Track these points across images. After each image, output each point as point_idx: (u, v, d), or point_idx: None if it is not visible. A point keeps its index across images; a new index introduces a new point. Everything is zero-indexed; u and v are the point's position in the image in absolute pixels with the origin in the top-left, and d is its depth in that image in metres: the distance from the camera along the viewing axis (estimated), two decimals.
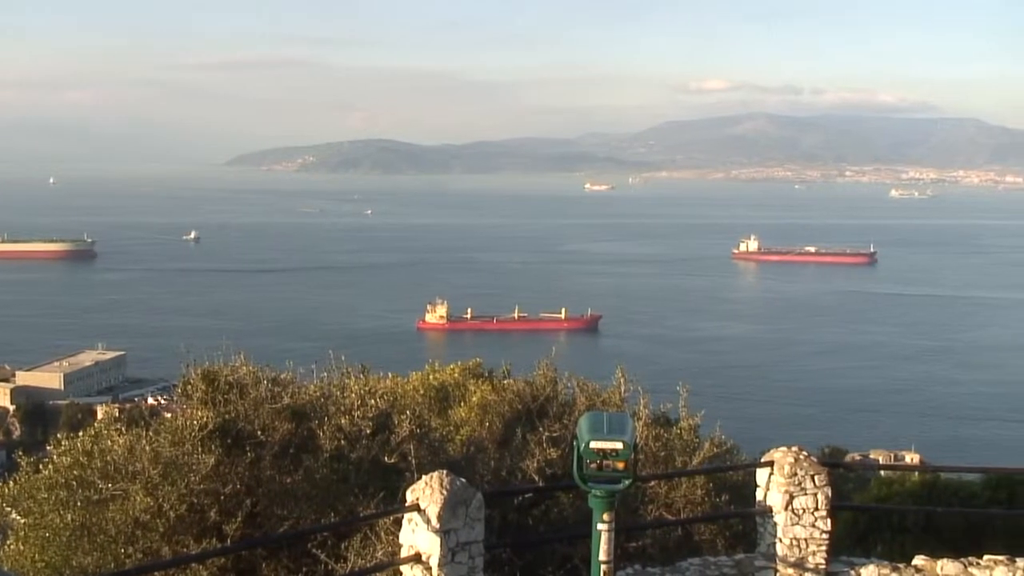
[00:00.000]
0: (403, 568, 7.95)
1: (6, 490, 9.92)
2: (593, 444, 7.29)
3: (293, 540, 9.52)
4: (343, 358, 12.14)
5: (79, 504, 9.36)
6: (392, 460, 10.44)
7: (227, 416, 10.24)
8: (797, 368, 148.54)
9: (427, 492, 7.75)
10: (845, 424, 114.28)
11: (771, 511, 9.28)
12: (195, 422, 9.91)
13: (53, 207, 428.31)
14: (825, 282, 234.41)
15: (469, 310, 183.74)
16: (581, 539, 8.86)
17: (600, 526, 7.49)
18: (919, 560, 9.45)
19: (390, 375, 14.37)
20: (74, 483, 9.50)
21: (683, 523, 11.15)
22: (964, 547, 10.42)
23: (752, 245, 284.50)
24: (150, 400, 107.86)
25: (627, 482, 7.39)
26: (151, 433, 10.01)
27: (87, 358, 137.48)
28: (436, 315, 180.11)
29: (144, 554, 9.31)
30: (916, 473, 17.57)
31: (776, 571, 9.24)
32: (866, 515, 13.83)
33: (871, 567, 9.44)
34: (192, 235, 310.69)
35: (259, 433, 10.25)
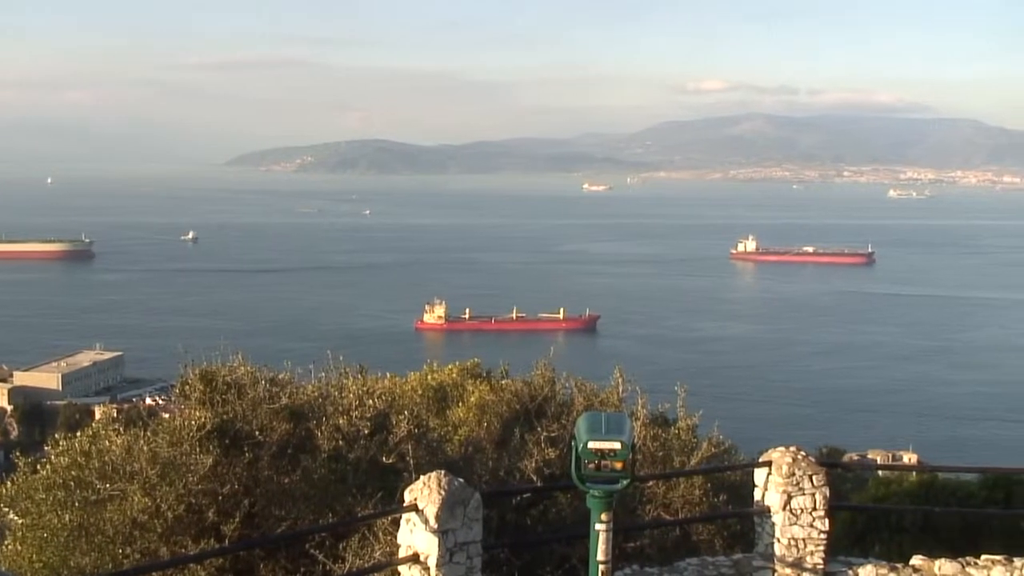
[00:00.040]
0: (401, 568, 7.95)
1: (4, 490, 9.91)
2: (591, 444, 7.29)
3: (291, 540, 9.51)
4: (341, 358, 12.15)
5: (77, 504, 9.35)
6: (390, 460, 10.44)
7: (225, 416, 10.24)
8: (795, 368, 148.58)
9: (425, 492, 7.76)
10: (843, 424, 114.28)
11: (769, 511, 9.29)
12: (193, 422, 9.91)
13: (50, 207, 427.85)
14: (823, 282, 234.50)
15: (467, 310, 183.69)
16: (579, 539, 8.86)
17: (598, 526, 7.50)
18: (917, 560, 9.46)
19: (388, 375, 14.36)
20: (72, 483, 9.49)
21: (681, 523, 11.16)
22: (962, 547, 10.42)
23: (750, 245, 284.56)
24: (148, 400, 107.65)
25: (625, 482, 7.40)
26: (149, 433, 10.01)
27: (85, 358, 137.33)
28: (434, 315, 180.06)
29: (142, 554, 9.30)
30: (914, 473, 17.60)
31: (774, 571, 9.24)
32: (864, 515, 13.84)
33: (869, 567, 9.45)
34: (190, 235, 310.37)
35: (257, 433, 10.24)
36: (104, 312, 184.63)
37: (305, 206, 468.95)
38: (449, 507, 7.70)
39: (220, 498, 9.67)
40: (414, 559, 7.80)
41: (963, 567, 9.35)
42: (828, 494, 9.20)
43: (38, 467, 9.96)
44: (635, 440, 8.20)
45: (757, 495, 9.49)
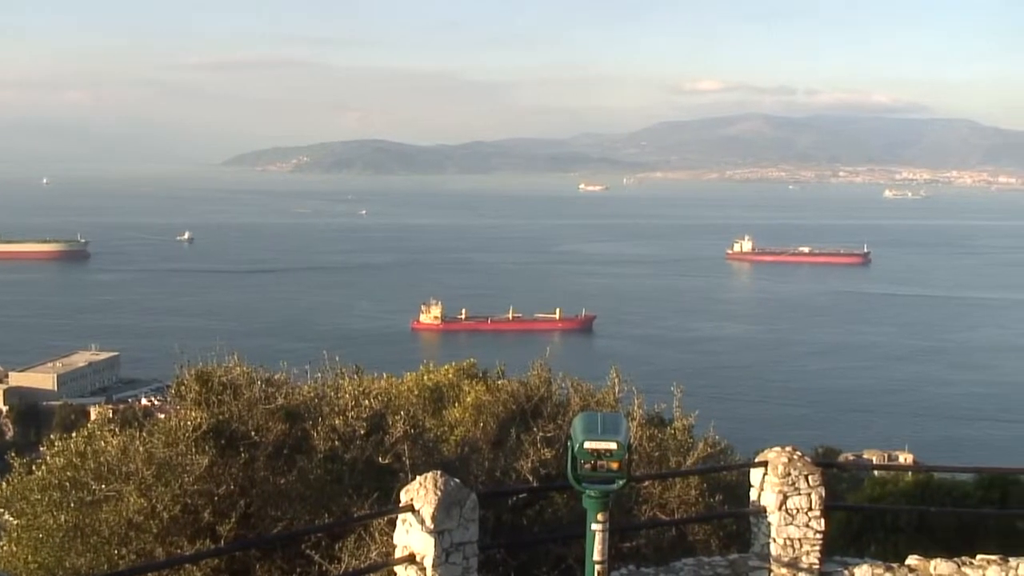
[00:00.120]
0: (397, 569, 7.94)
1: None
2: (587, 444, 7.29)
3: (287, 541, 9.50)
4: (337, 359, 12.13)
5: (72, 505, 9.34)
6: (386, 461, 10.43)
7: (221, 417, 10.23)
8: (791, 368, 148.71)
9: (421, 493, 7.75)
10: (839, 424, 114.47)
11: (765, 511, 9.30)
12: (189, 423, 9.90)
13: (47, 207, 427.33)
14: (819, 282, 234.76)
15: (463, 310, 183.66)
16: (575, 539, 8.87)
17: (594, 526, 7.50)
18: (912, 560, 9.47)
19: (384, 376, 14.35)
20: (67, 484, 9.47)
21: (677, 523, 11.16)
22: (957, 547, 10.44)
23: (746, 245, 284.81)
24: (144, 401, 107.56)
25: (621, 482, 7.40)
26: (145, 434, 9.99)
27: (80, 359, 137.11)
28: (430, 315, 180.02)
29: (138, 555, 9.29)
30: (909, 473, 17.62)
31: (770, 571, 9.25)
32: (860, 515, 13.86)
33: (865, 567, 9.46)
34: (186, 235, 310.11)
35: (253, 434, 10.23)
36: (100, 312, 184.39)
37: (301, 206, 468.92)
38: (445, 507, 7.70)
39: (216, 499, 9.66)
40: (410, 559, 7.80)
41: (959, 567, 9.37)
42: (824, 494, 9.21)
43: (33, 468, 9.94)
44: (631, 440, 8.20)
45: (753, 495, 9.50)
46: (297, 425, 10.60)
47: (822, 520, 9.19)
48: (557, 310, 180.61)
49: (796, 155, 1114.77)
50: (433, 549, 7.66)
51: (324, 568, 9.11)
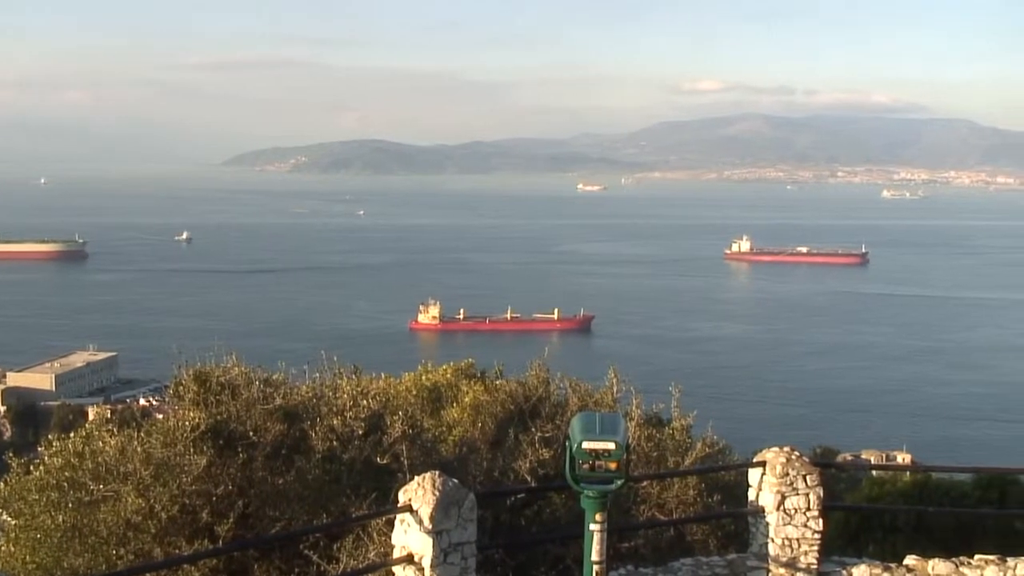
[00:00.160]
0: (395, 569, 7.94)
1: None
2: (585, 444, 7.29)
3: (285, 541, 9.50)
4: (335, 359, 12.12)
5: (70, 505, 9.33)
6: (384, 461, 10.42)
7: (219, 417, 10.22)
8: (789, 368, 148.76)
9: (419, 493, 7.75)
10: (837, 424, 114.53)
11: (763, 511, 9.30)
12: (187, 423, 9.89)
13: (45, 207, 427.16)
14: (817, 282, 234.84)
15: (462, 311, 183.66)
16: (573, 539, 8.87)
17: (592, 526, 7.50)
18: (910, 560, 9.47)
19: (382, 376, 14.34)
20: (65, 484, 9.47)
21: (675, 523, 11.16)
22: (955, 547, 10.44)
23: (744, 245, 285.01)
24: (142, 401, 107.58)
25: (619, 482, 7.40)
26: (143, 434, 9.98)
27: (78, 359, 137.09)
28: (429, 316, 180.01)
29: (136, 555, 9.28)
30: (907, 473, 17.62)
31: (768, 571, 9.25)
32: (858, 515, 13.87)
33: (863, 567, 9.47)
34: (184, 236, 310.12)
35: (251, 434, 10.22)
36: (98, 312, 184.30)
37: (299, 206, 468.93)
38: (443, 508, 7.69)
39: (214, 499, 9.65)
40: (408, 560, 7.80)
41: (957, 567, 9.37)
42: (822, 494, 9.21)
43: (31, 468, 9.93)
44: (629, 440, 8.20)
45: (751, 495, 9.50)
46: (295, 425, 10.60)
47: (820, 520, 9.19)
48: (555, 310, 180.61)
49: (794, 155, 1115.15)
50: (431, 549, 7.66)
51: (322, 568, 9.10)
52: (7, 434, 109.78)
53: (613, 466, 7.30)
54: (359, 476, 10.26)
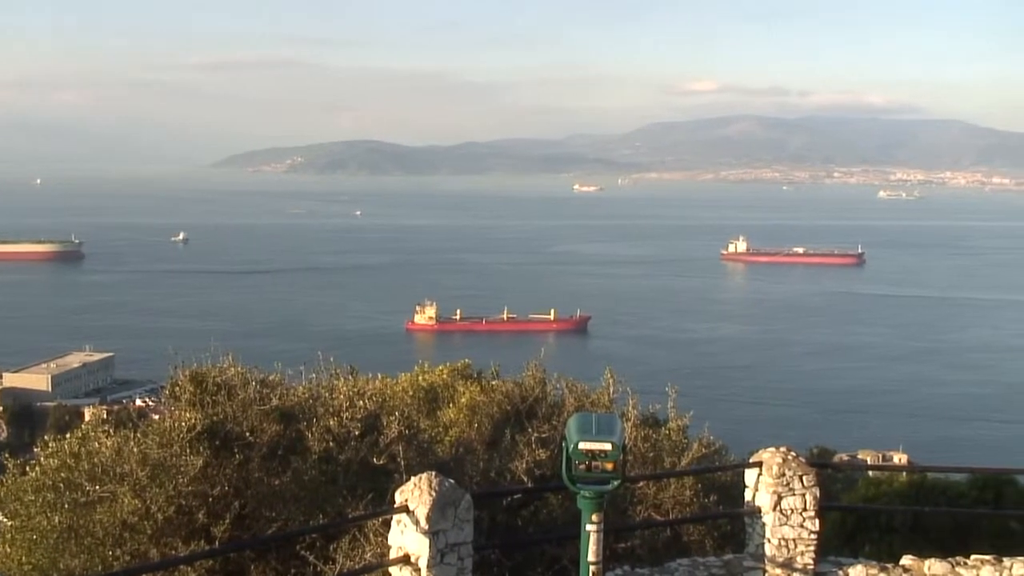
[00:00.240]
0: (392, 569, 7.94)
1: None
2: (582, 445, 7.28)
3: (281, 542, 9.49)
4: (332, 359, 12.12)
5: (66, 506, 9.31)
6: (381, 461, 10.41)
7: (215, 418, 10.21)
8: (785, 369, 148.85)
9: (416, 493, 7.75)
10: (833, 425, 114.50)
11: (759, 511, 9.30)
12: (183, 424, 9.87)
13: (41, 208, 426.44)
14: (813, 283, 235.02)
15: (458, 311, 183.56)
16: (570, 540, 8.87)
17: (589, 527, 7.49)
18: (907, 560, 9.48)
19: (379, 376, 14.34)
20: (61, 485, 9.45)
21: (672, 524, 11.16)
22: (951, 547, 10.46)
23: (740, 246, 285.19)
24: (138, 402, 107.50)
25: (616, 483, 7.39)
26: (139, 435, 9.96)
27: (75, 359, 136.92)
28: (425, 316, 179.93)
29: (132, 556, 9.27)
30: (904, 473, 17.64)
31: (764, 571, 9.26)
32: (854, 515, 13.88)
33: (859, 567, 9.47)
34: (181, 236, 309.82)
35: (247, 435, 10.21)
36: (94, 313, 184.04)
37: (295, 207, 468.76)
38: (440, 508, 7.69)
39: (210, 499, 9.64)
40: (405, 560, 7.80)
41: (953, 567, 9.38)
42: (818, 494, 9.22)
43: (27, 469, 9.91)
44: (626, 441, 8.20)
45: (748, 496, 9.50)
46: (292, 426, 10.58)
47: (816, 520, 9.19)
48: (552, 311, 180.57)
49: (790, 156, 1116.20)
50: (428, 550, 7.66)
51: (319, 569, 9.09)
52: (3, 435, 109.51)
53: (609, 467, 7.29)
54: (355, 477, 10.25)
